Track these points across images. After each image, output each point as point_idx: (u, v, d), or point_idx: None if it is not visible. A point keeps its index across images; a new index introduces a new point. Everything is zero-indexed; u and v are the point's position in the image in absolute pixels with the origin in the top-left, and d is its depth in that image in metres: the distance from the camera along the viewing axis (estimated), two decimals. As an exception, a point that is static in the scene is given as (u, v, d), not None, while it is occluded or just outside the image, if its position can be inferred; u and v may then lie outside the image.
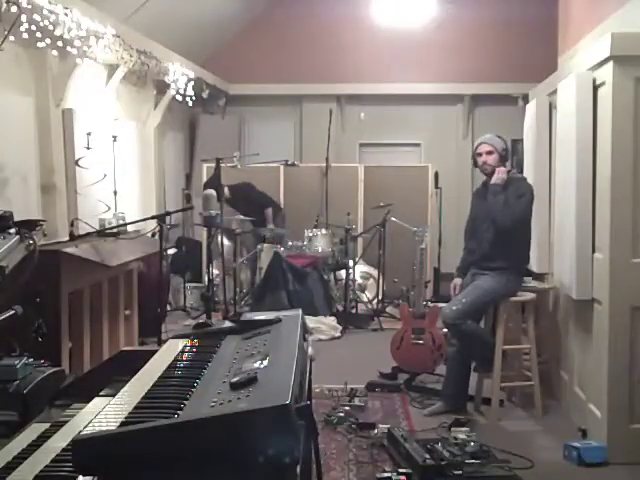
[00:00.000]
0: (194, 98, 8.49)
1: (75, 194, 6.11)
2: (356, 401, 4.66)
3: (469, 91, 10.34)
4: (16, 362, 2.04)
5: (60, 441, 1.61)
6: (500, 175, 4.60)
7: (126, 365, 2.05)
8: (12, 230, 2.19)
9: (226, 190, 7.78)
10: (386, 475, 3.48)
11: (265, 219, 8.06)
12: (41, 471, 1.47)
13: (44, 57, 5.61)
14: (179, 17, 7.97)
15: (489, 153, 4.65)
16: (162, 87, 8.13)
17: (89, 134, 6.25)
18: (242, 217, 7.77)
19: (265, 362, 1.73)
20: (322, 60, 10.17)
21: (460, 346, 4.65)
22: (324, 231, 7.76)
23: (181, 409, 1.56)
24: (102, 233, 5.06)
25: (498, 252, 4.60)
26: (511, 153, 9.98)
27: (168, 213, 5.34)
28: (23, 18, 4.76)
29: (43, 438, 1.67)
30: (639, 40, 3.86)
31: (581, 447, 3.86)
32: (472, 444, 3.82)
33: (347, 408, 4.45)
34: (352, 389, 4.84)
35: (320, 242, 7.70)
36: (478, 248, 4.71)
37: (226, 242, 7.63)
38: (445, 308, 4.64)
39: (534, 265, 5.23)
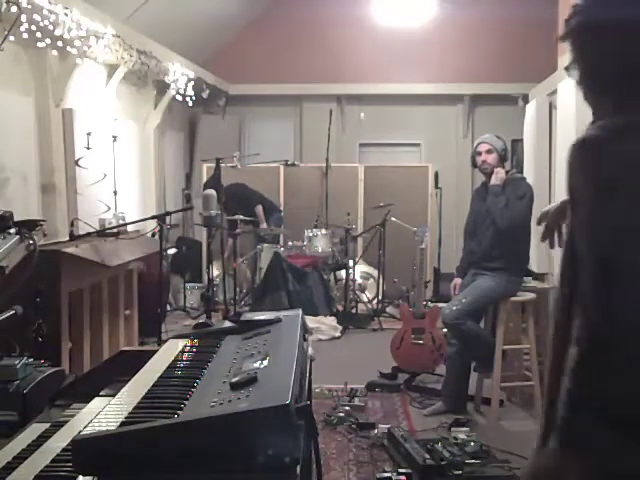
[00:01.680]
0: (194, 98, 8.48)
1: (75, 194, 6.11)
2: (356, 401, 4.66)
3: (469, 91, 10.34)
4: (16, 362, 2.04)
5: (60, 441, 1.61)
6: (499, 175, 4.60)
7: (126, 365, 2.05)
8: (12, 230, 2.18)
9: None
10: (386, 475, 3.49)
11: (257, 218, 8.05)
12: (41, 471, 1.46)
13: (44, 57, 5.60)
14: (179, 17, 7.97)
15: (488, 152, 4.65)
16: (162, 87, 8.13)
17: (89, 134, 6.25)
18: (242, 217, 7.77)
19: (265, 362, 1.73)
20: (322, 60, 10.17)
21: (460, 346, 4.65)
22: (324, 231, 7.76)
23: (181, 409, 1.56)
24: (102, 233, 5.06)
25: (498, 252, 4.60)
26: (511, 153, 10.01)
27: (168, 213, 5.34)
28: (23, 18, 4.76)
29: (43, 438, 1.67)
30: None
31: (581, 447, 3.86)
32: (472, 444, 3.82)
33: (347, 408, 4.45)
34: (352, 389, 4.84)
35: (320, 242, 7.70)
36: (478, 248, 4.71)
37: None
38: (445, 308, 4.64)
39: (534, 265, 5.24)
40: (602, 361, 1.38)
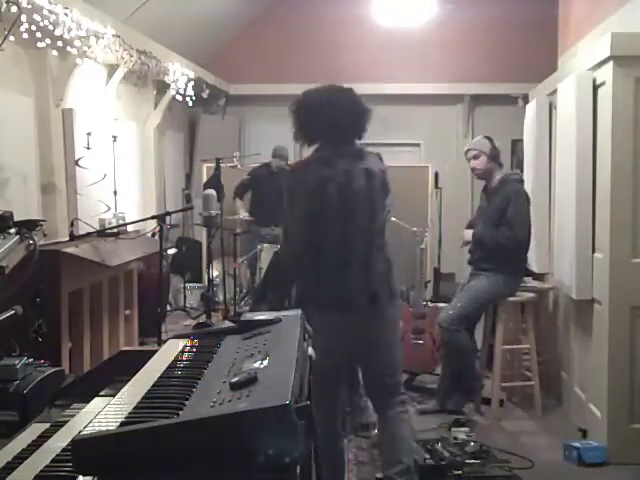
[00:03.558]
0: (194, 98, 8.48)
1: (75, 194, 6.11)
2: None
3: (469, 91, 10.34)
4: (16, 362, 2.04)
5: (60, 441, 1.61)
6: (465, 238, 4.72)
7: (126, 365, 2.05)
8: (12, 230, 2.18)
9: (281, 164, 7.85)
10: (386, 475, 3.48)
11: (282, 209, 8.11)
12: (41, 471, 1.46)
13: (44, 57, 5.60)
14: (179, 17, 7.96)
15: (475, 157, 4.70)
16: (162, 87, 8.13)
17: (89, 134, 6.25)
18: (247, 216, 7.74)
19: (265, 362, 1.72)
20: (322, 60, 10.16)
21: (445, 356, 4.66)
22: (324, 231, 7.75)
23: (181, 409, 1.56)
24: (102, 233, 5.06)
25: (493, 254, 4.61)
26: (511, 153, 10.00)
27: (168, 213, 5.33)
28: (23, 18, 4.75)
29: (43, 438, 1.67)
30: (639, 40, 3.86)
31: (581, 447, 3.87)
32: (472, 444, 3.83)
33: (347, 408, 4.45)
34: (352, 389, 4.84)
35: (320, 242, 7.68)
36: (474, 249, 4.72)
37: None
38: (442, 311, 4.65)
39: (534, 265, 5.24)
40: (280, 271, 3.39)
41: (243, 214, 7.89)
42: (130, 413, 1.58)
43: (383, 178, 3.29)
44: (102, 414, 1.59)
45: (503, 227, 4.52)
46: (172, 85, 7.91)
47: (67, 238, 4.69)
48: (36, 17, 4.87)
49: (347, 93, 3.24)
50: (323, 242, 2.98)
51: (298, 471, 1.38)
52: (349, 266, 3.00)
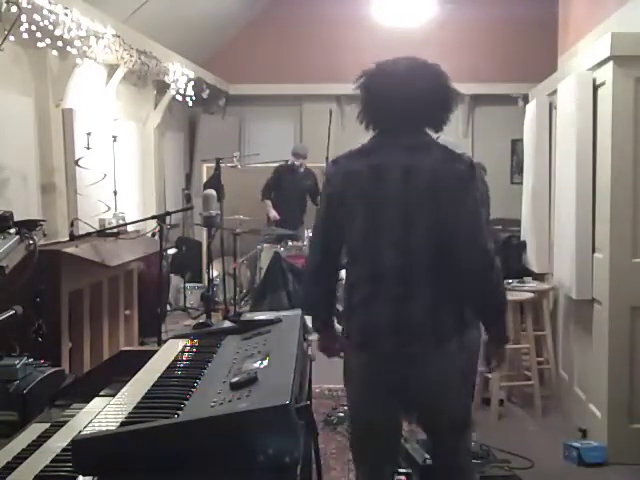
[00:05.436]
0: (194, 98, 8.48)
1: (75, 194, 6.11)
2: (356, 401, 4.65)
3: (469, 91, 10.32)
4: (16, 362, 2.05)
5: (60, 441, 1.61)
6: None
7: (126, 365, 2.05)
8: (12, 230, 2.19)
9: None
10: (386, 475, 3.47)
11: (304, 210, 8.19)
12: (41, 471, 1.47)
13: (44, 57, 5.60)
14: (179, 17, 7.96)
15: None
16: (162, 87, 8.13)
17: (89, 134, 6.25)
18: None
19: (265, 362, 1.73)
20: (322, 60, 10.16)
21: None
22: (324, 231, 7.74)
23: (181, 409, 1.56)
24: (102, 233, 5.06)
25: None
26: (510, 152, 9.99)
27: (168, 213, 5.33)
28: (23, 18, 4.75)
29: (43, 438, 1.67)
30: (639, 40, 3.86)
31: (581, 447, 3.87)
32: (472, 444, 3.82)
33: (347, 408, 4.45)
34: (352, 389, 4.83)
35: (320, 242, 7.67)
36: None
37: None
38: None
39: (534, 265, 5.24)
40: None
41: (272, 214, 7.88)
42: (130, 413, 1.58)
43: (432, 178, 2.30)
44: (102, 414, 1.59)
45: None
46: (172, 85, 7.91)
47: (67, 238, 4.69)
48: (36, 17, 4.87)
49: (431, 69, 2.56)
50: (350, 255, 2.41)
51: (298, 471, 1.38)
52: (374, 292, 2.31)
